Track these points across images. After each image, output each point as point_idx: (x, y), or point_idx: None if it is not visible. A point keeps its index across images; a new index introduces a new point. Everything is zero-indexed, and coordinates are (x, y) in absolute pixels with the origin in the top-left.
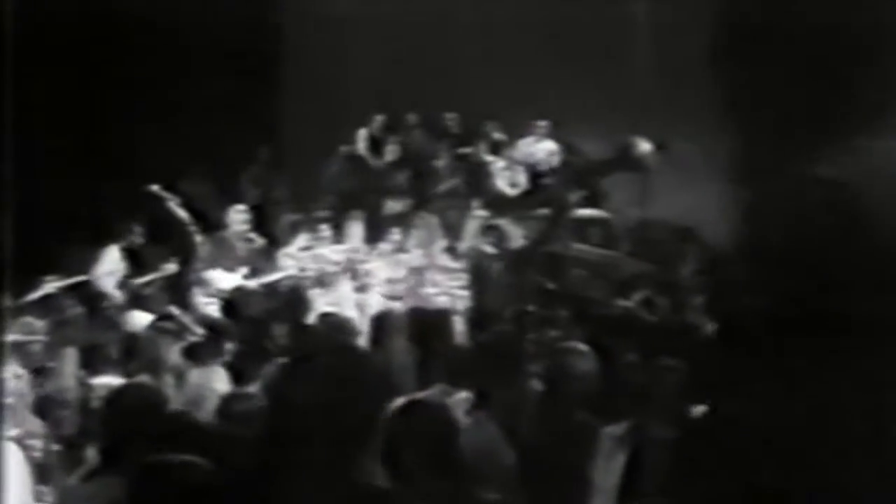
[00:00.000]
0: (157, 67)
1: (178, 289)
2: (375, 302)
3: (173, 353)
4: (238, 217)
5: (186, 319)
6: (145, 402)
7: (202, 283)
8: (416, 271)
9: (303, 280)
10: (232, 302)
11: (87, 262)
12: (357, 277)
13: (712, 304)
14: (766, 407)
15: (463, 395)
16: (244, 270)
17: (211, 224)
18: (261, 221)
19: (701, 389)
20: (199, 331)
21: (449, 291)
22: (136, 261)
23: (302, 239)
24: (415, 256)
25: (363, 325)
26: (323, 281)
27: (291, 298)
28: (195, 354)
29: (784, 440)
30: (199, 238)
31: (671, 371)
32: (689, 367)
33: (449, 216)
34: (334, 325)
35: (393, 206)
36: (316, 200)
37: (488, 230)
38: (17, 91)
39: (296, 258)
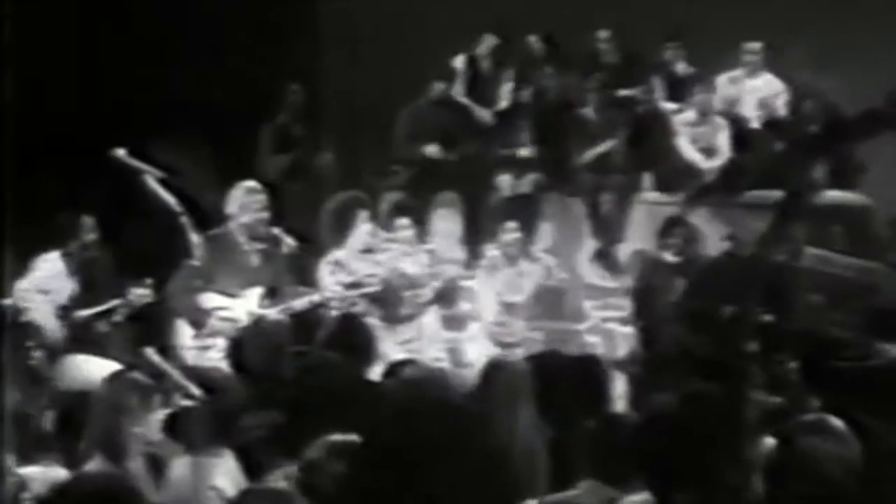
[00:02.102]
0: None
1: (157, 320)
2: (480, 344)
3: (149, 427)
4: (251, 202)
5: (170, 370)
6: None
7: (195, 311)
8: (548, 294)
9: (359, 306)
10: (242, 343)
11: (7, 277)
12: (450, 302)
13: None
14: None
15: (634, 501)
16: (260, 290)
17: (209, 215)
18: (288, 209)
19: None
20: (192, 389)
21: (601, 326)
22: (89, 275)
23: (357, 238)
24: (544, 269)
25: (461, 383)
26: (392, 308)
27: (340, 337)
28: (185, 429)
29: None
30: (193, 237)
31: None
32: None
33: (600, 201)
34: (414, 383)
35: (509, 184)
36: (382, 175)
37: (668, 226)
38: None
39: (347, 270)
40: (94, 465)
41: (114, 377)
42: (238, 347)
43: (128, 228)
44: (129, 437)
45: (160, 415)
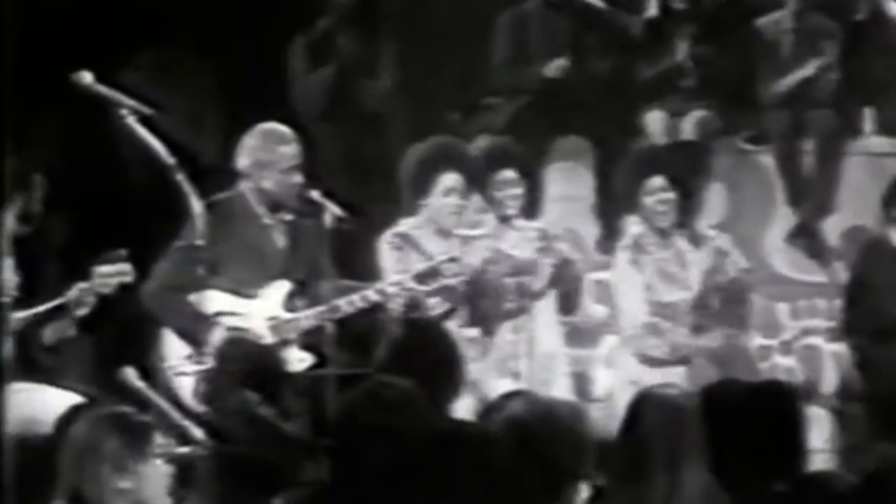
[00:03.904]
0: None
1: (135, 324)
2: (621, 367)
3: (145, 482)
4: (274, 155)
5: (161, 404)
6: None
7: (191, 318)
8: (721, 291)
9: (437, 306)
10: (261, 366)
11: None
12: (574, 303)
13: None
14: None
15: None
16: (287, 285)
17: (211, 173)
18: (330, 164)
19: None
20: (193, 432)
21: (800, 342)
22: (34, 259)
23: (438, 206)
24: (715, 253)
25: (595, 427)
26: (488, 310)
27: (410, 354)
28: (184, 489)
29: None
30: (194, 204)
31: None
32: None
33: (799, 152)
34: (526, 428)
35: (662, 125)
36: (471, 111)
37: None
38: None
39: (419, 252)
40: None
41: (89, 412)
42: (261, 373)
43: (94, 191)
44: (114, 496)
45: (160, 467)
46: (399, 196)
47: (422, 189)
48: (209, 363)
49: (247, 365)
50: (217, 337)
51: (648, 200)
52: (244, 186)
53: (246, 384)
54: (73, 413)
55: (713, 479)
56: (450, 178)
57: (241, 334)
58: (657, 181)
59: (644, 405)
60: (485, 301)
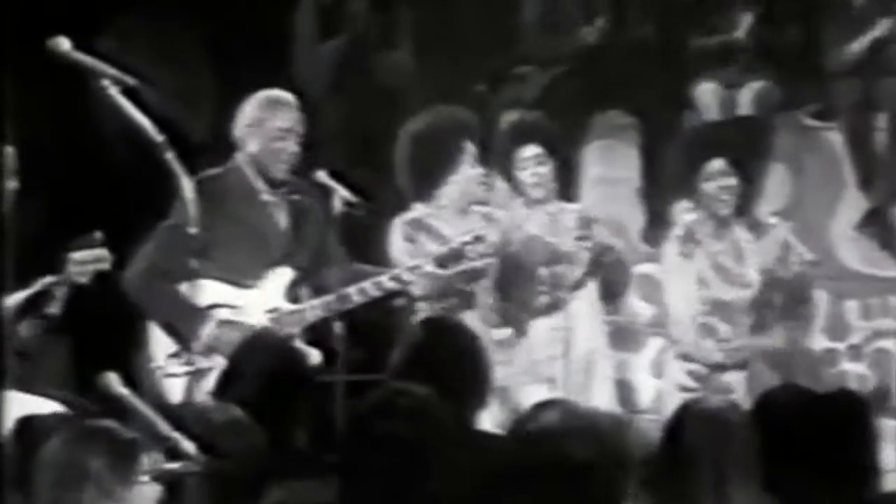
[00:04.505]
0: None
1: (118, 321)
2: (669, 373)
3: None
4: (276, 127)
5: (148, 413)
6: None
7: (181, 310)
8: (783, 286)
9: (457, 297)
10: (253, 366)
11: None
12: (616, 300)
13: None
14: None
15: None
16: (289, 272)
17: (204, 149)
18: (338, 139)
19: None
20: (184, 445)
21: (871, 346)
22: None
23: (457, 186)
24: (776, 244)
25: (640, 440)
26: (515, 303)
27: (428, 354)
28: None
29: None
30: (184, 183)
31: None
32: None
33: (872, 127)
34: (563, 444)
35: (716, 97)
36: (498, 81)
37: None
38: None
39: (437, 237)
40: None
41: (68, 426)
42: (251, 375)
43: (72, 169)
44: None
45: (148, 487)
46: (413, 178)
47: (435, 169)
48: (204, 363)
49: (269, 366)
50: (209, 332)
51: (708, 186)
52: (240, 159)
53: (266, 390)
54: (27, 425)
55: (769, 500)
56: (468, 156)
57: (265, 331)
58: (718, 164)
59: (686, 418)
60: (515, 293)
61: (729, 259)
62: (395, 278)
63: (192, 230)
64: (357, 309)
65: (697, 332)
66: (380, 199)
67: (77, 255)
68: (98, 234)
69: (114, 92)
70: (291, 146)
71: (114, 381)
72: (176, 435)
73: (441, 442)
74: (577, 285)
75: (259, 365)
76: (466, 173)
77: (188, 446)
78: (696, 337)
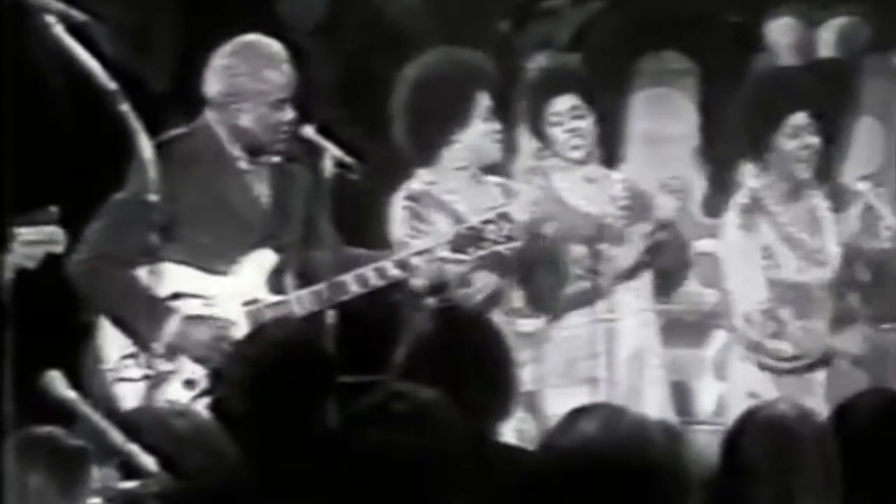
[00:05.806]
0: None
1: (68, 322)
2: (733, 373)
3: None
4: (256, 78)
5: (101, 422)
6: None
7: (139, 301)
8: (873, 266)
9: (474, 286)
10: (237, 371)
11: None
12: (671, 284)
13: None
14: None
15: None
16: (270, 256)
17: (168, 102)
18: (328, 92)
19: None
20: (143, 460)
21: None
22: None
23: (471, 146)
24: (865, 215)
25: (698, 455)
26: (546, 289)
27: (440, 352)
28: None
29: None
30: (143, 143)
31: None
32: None
33: None
34: (608, 461)
35: (790, 38)
36: (523, 17)
37: None
38: None
39: (447, 211)
40: None
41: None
42: (232, 381)
43: (8, 124)
44: None
45: None
46: (412, 135)
47: (444, 126)
48: (166, 367)
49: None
50: (173, 330)
51: (788, 145)
52: (211, 117)
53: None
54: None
55: None
56: (482, 109)
57: (280, 322)
58: (799, 118)
59: (749, 429)
60: (547, 279)
61: (803, 232)
62: (402, 264)
63: (152, 198)
64: (354, 301)
65: (766, 321)
66: (380, 163)
67: (24, 234)
68: (53, 209)
69: (59, 30)
70: (288, 113)
71: (57, 381)
72: (131, 447)
73: (449, 456)
74: (629, 274)
75: (278, 367)
76: (478, 128)
77: (146, 461)
78: (763, 329)
